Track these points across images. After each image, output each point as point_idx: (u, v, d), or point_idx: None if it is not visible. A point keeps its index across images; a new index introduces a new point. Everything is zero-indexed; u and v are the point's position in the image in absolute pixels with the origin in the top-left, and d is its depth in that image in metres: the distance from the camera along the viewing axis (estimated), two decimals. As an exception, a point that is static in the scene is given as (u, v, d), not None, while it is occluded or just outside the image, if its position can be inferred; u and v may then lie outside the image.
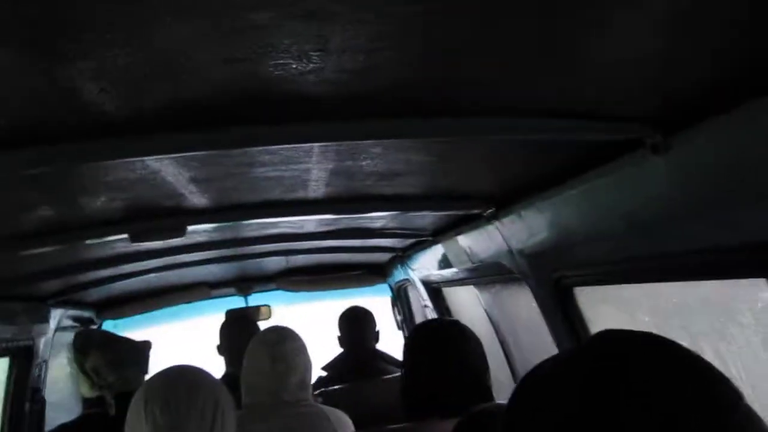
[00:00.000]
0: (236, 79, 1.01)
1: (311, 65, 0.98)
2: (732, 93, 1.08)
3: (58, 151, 1.16)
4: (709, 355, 1.58)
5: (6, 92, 0.96)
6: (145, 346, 2.76)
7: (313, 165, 1.60)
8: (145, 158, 1.36)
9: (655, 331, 1.79)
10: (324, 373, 3.72)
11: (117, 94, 1.02)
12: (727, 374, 1.53)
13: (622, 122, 1.29)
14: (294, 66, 0.96)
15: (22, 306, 3.10)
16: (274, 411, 2.33)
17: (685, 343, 1.66)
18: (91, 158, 1.21)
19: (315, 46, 0.91)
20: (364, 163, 1.64)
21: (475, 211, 2.24)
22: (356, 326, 3.77)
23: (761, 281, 1.32)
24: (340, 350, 3.82)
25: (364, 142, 1.44)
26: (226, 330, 3.79)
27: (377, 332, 3.82)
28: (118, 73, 0.94)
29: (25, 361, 3.41)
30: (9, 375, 3.40)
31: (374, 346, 3.78)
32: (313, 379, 3.58)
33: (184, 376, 1.64)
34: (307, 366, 2.45)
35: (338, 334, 3.80)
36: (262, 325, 3.99)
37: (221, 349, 3.73)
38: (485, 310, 3.20)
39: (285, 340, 2.43)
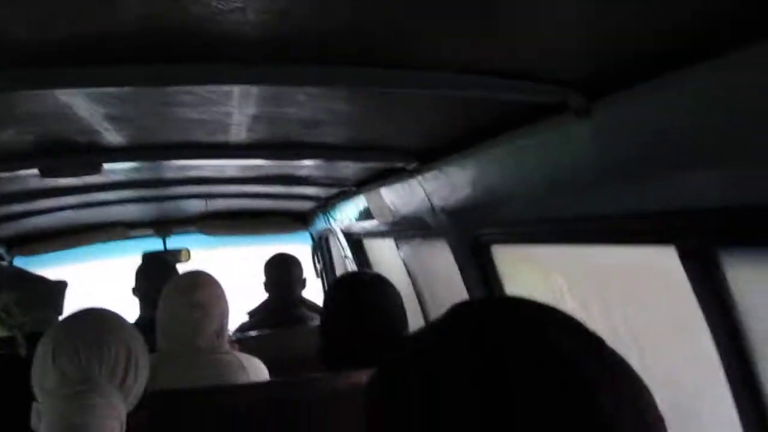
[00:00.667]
0: (155, 13, 0.97)
1: (233, 4, 0.94)
2: (656, 62, 1.09)
3: None
4: (618, 319, 1.62)
5: None
6: (60, 287, 2.68)
7: (233, 108, 1.55)
8: (55, 91, 1.30)
9: (567, 292, 1.84)
10: (248, 318, 3.69)
11: (28, 21, 0.97)
12: (634, 339, 1.58)
13: (548, 84, 1.29)
14: (215, 4, 0.92)
15: None
16: (188, 358, 2.29)
17: (596, 305, 1.71)
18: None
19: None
20: (286, 110, 1.60)
21: (399, 165, 2.23)
22: (282, 272, 3.72)
23: (671, 249, 1.35)
24: (261, 295, 3.79)
25: (287, 88, 1.41)
26: (142, 273, 3.71)
27: (304, 279, 3.79)
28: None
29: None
30: None
31: (300, 294, 3.74)
32: (238, 324, 3.59)
33: (94, 323, 1.56)
34: (224, 313, 2.40)
35: (264, 279, 3.75)
36: (181, 268, 3.94)
37: (136, 293, 3.66)
38: (404, 264, 3.22)
39: (202, 285, 2.38)
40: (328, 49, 1.15)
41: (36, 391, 1.52)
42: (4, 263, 4.24)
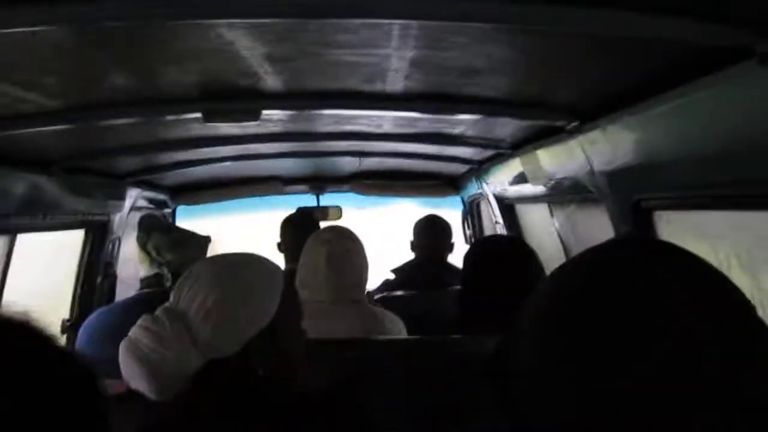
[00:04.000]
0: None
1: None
2: None
3: (122, 5, 1.11)
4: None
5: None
6: (204, 240, 2.82)
7: (392, 51, 1.52)
8: (216, 26, 1.31)
9: (737, 265, 1.69)
10: (392, 276, 3.69)
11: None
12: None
13: (730, 26, 1.17)
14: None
15: (100, 181, 3.18)
16: (326, 309, 2.33)
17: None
18: (157, 15, 1.16)
19: None
20: (445, 54, 1.56)
21: (558, 124, 2.15)
22: (431, 234, 3.70)
23: None
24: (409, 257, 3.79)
25: (446, 30, 1.37)
26: (287, 228, 3.79)
27: (452, 244, 3.75)
28: None
29: (99, 236, 3.53)
30: (84, 248, 3.52)
31: (446, 257, 3.71)
32: (380, 281, 3.62)
33: (220, 266, 1.56)
34: (362, 267, 2.43)
35: (411, 239, 3.74)
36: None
37: (281, 247, 3.74)
38: (557, 231, 3.12)
39: (342, 239, 2.42)
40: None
41: None
42: (168, 210, 4.47)
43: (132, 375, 1.41)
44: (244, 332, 1.49)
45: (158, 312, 1.48)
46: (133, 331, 1.45)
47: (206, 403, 1.44)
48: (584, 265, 0.78)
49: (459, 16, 1.21)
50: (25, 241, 2.85)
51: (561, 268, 0.80)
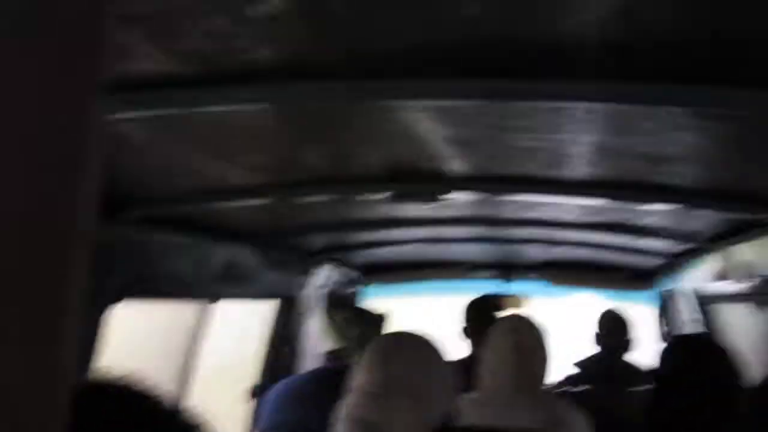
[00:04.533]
0: (500, 27, 0.95)
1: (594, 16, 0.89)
2: None
3: (312, 87, 1.18)
4: None
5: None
6: (386, 318, 2.91)
7: (576, 136, 1.49)
8: (401, 110, 1.35)
9: None
10: (575, 369, 3.70)
11: (375, 31, 1.01)
12: None
13: None
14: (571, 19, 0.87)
15: (290, 257, 3.31)
16: (510, 398, 2.33)
17: None
18: (349, 96, 1.22)
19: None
20: (631, 140, 1.51)
21: (760, 217, 2.01)
22: (616, 329, 3.73)
23: None
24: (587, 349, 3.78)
25: (631, 115, 1.32)
26: (471, 313, 3.80)
27: (630, 341, 3.74)
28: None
29: (288, 308, 3.67)
30: (273, 319, 3.67)
31: (628, 354, 3.70)
32: (562, 373, 3.59)
33: (404, 340, 1.72)
34: (546, 358, 2.46)
35: (597, 332, 3.76)
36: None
37: (466, 332, 3.74)
38: (760, 332, 2.89)
39: (528, 329, 2.46)
40: (681, 61, 1.04)
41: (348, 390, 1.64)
42: (355, 288, 4.59)
43: None
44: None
45: (377, 388, 1.54)
46: (359, 412, 1.53)
47: None
48: None
49: (647, 101, 1.17)
50: (220, 308, 3.01)
51: None
